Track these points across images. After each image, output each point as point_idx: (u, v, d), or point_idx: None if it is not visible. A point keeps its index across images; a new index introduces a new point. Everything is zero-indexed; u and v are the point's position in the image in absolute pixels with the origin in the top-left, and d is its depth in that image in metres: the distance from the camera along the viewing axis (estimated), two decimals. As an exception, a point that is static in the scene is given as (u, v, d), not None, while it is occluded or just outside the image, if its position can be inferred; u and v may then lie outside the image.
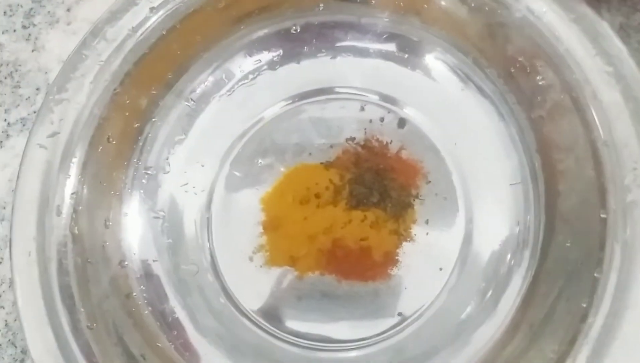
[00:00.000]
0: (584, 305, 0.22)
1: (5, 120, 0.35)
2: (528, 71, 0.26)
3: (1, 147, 0.35)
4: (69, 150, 0.27)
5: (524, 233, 0.27)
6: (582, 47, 0.23)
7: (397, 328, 0.28)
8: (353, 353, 0.27)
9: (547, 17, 0.24)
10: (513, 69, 0.26)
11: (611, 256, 0.22)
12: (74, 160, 0.27)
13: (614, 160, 0.22)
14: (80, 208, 0.27)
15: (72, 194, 0.27)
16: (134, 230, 0.29)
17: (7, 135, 0.35)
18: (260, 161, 0.31)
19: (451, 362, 0.26)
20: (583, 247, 0.23)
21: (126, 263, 0.28)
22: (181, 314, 0.28)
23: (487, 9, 0.26)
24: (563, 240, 0.24)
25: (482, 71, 0.28)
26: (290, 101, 0.32)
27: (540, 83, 0.25)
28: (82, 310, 0.24)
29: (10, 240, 0.26)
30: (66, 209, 0.26)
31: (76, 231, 0.26)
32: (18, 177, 0.27)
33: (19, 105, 0.35)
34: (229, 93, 0.31)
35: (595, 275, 0.22)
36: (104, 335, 0.25)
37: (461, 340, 0.26)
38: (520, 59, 0.26)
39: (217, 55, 0.30)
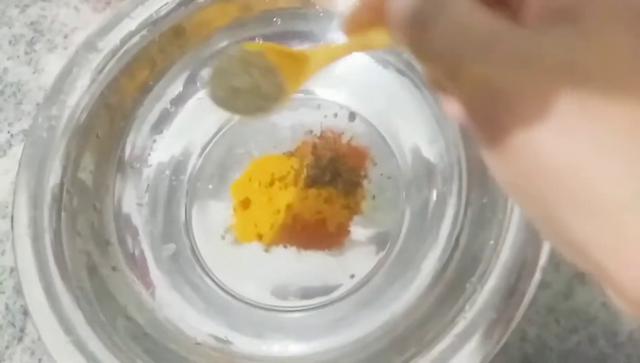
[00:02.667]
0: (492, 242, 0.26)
1: (8, 132, 0.40)
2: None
3: (4, 155, 0.39)
4: (63, 144, 0.32)
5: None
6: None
7: (353, 286, 0.32)
8: (301, 315, 0.31)
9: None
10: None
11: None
12: (68, 152, 0.32)
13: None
14: (72, 193, 0.31)
15: (65, 181, 0.31)
16: (120, 215, 0.34)
17: (10, 144, 0.40)
18: (231, 154, 0.36)
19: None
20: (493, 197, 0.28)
21: (112, 240, 0.33)
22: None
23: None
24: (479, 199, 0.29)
25: (414, 68, 0.33)
26: (256, 103, 0.37)
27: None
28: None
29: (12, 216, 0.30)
30: (60, 191, 0.31)
31: (68, 210, 0.31)
32: (19, 165, 0.31)
33: (20, 119, 0.40)
34: (201, 97, 0.36)
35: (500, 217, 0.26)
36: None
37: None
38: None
39: (190, 63, 0.35)
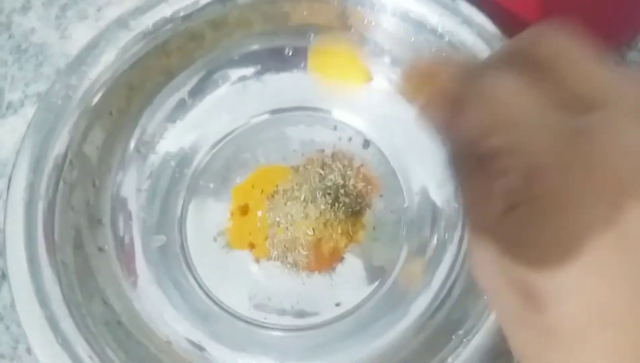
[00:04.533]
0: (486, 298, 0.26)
1: (23, 92, 0.40)
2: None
3: (15, 113, 0.39)
4: (75, 115, 0.31)
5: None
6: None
7: (335, 316, 0.31)
8: (281, 334, 0.31)
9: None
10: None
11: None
12: (79, 124, 0.31)
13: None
14: (74, 165, 0.31)
15: (70, 152, 0.31)
16: (117, 196, 0.33)
17: (23, 104, 0.39)
18: (239, 157, 0.35)
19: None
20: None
21: (104, 220, 0.32)
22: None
23: (444, 55, 0.31)
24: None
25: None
26: (274, 112, 0.36)
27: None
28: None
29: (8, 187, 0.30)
30: (63, 160, 0.30)
31: (67, 179, 0.30)
32: (27, 127, 0.31)
33: (38, 81, 0.40)
34: (221, 94, 0.36)
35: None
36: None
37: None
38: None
39: (217, 60, 0.35)
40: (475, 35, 0.31)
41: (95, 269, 0.30)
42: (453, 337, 0.25)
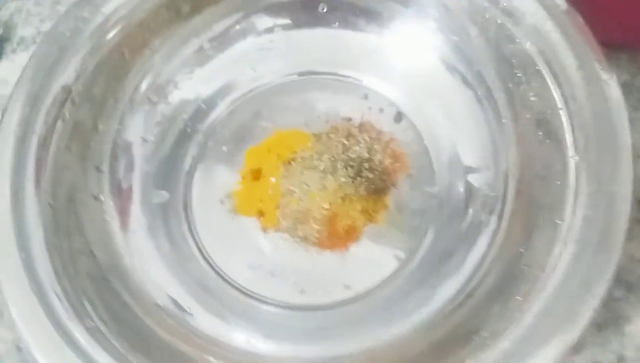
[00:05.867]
0: (519, 298, 0.22)
1: (36, 28, 0.37)
2: (523, 85, 0.27)
3: (25, 49, 0.37)
4: (84, 50, 0.29)
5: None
6: (575, 68, 0.25)
7: (342, 299, 0.28)
8: (280, 311, 0.28)
9: (551, 36, 0.26)
10: (510, 83, 0.28)
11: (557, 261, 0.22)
12: (86, 60, 0.29)
13: (580, 176, 0.23)
14: (77, 104, 0.28)
15: (74, 88, 0.28)
16: (120, 143, 0.30)
17: (34, 41, 0.37)
18: (257, 118, 0.32)
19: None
20: (536, 248, 0.24)
21: (103, 167, 0.29)
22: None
23: (498, 21, 0.28)
24: (516, 244, 0.25)
25: (484, 81, 0.29)
26: (301, 74, 0.33)
27: (532, 99, 0.27)
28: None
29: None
30: (65, 97, 0.28)
31: (67, 117, 0.27)
32: (30, 56, 0.28)
33: (54, 19, 0.37)
34: (245, 48, 0.33)
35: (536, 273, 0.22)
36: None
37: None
38: (518, 73, 0.27)
39: (244, 5, 0.32)
40: (536, 3, 0.27)
41: (86, 219, 0.27)
42: (475, 338, 0.22)
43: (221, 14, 0.31)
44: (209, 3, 0.31)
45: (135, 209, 0.29)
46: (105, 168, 0.29)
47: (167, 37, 0.31)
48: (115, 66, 0.30)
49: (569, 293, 0.21)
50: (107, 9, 0.29)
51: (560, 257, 0.22)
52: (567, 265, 0.22)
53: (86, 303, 0.24)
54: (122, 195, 0.29)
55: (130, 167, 0.30)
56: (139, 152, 0.30)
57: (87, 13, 0.29)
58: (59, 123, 0.27)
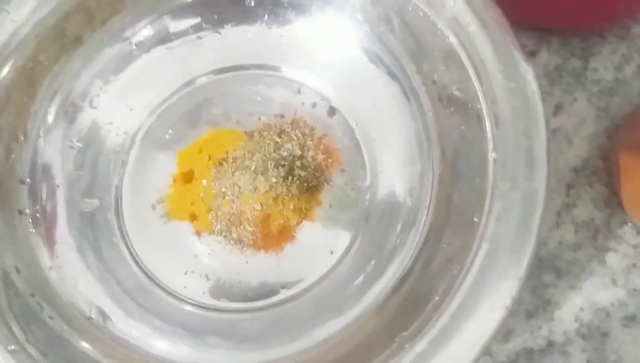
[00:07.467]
0: (437, 298, 0.22)
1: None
2: (446, 78, 0.27)
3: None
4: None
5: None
6: (493, 62, 0.25)
7: (278, 300, 0.28)
8: (217, 315, 0.28)
9: (470, 29, 0.26)
10: (435, 76, 0.27)
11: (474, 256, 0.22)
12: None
13: (497, 172, 0.23)
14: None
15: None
16: (45, 152, 0.30)
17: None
18: (189, 118, 0.32)
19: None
20: (457, 245, 0.24)
21: (28, 180, 0.29)
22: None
23: (420, 13, 0.27)
24: (446, 237, 0.25)
25: (408, 74, 0.29)
26: (231, 69, 0.32)
27: (455, 93, 0.26)
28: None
29: None
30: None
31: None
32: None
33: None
34: (170, 47, 0.32)
35: (454, 272, 0.22)
36: None
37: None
38: (441, 67, 0.27)
39: (166, 4, 0.31)
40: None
41: (10, 234, 0.27)
42: (396, 340, 0.22)
43: (146, 13, 0.30)
44: (133, 3, 0.30)
45: (62, 220, 0.29)
46: (28, 180, 0.28)
47: (89, 41, 0.30)
48: (33, 72, 0.29)
49: (481, 293, 0.21)
50: (19, 16, 0.28)
51: (477, 255, 0.22)
52: (481, 263, 0.22)
53: (13, 324, 0.24)
54: (47, 207, 0.29)
55: (54, 176, 0.29)
56: (63, 160, 0.30)
57: (-2, 19, 0.28)
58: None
